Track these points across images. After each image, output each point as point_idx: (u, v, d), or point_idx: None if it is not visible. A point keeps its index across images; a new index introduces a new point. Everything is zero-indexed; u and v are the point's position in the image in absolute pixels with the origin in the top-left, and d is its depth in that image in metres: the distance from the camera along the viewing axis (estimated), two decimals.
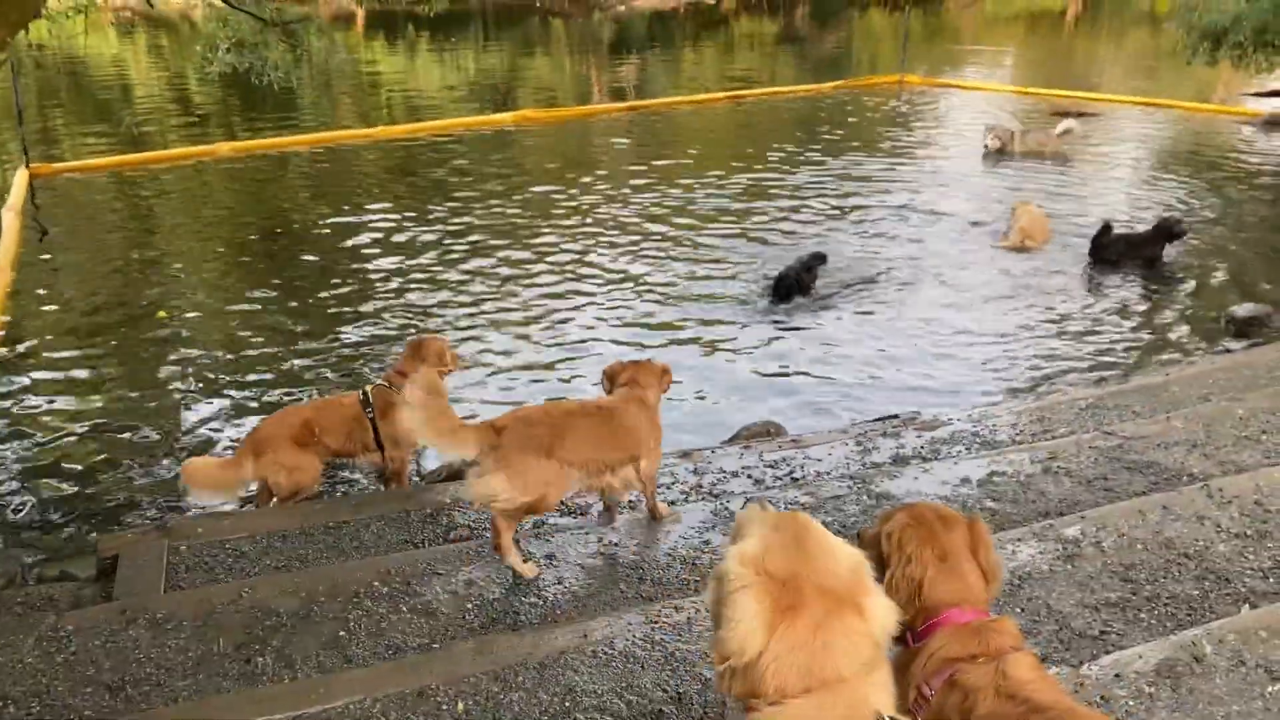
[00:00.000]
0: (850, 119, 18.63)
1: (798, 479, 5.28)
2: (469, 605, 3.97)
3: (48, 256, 10.41)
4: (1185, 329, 8.29)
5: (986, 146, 15.26)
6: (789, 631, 1.95)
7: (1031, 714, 2.12)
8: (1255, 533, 4.21)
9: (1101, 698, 3.11)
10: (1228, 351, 7.47)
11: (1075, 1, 45.82)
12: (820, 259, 9.42)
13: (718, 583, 2.07)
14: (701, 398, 7.13)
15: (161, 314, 8.69)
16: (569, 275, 9.71)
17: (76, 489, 5.83)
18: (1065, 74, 25.57)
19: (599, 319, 8.63)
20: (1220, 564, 4.02)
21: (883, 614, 2.05)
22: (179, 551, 4.53)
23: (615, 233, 11.05)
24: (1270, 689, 3.14)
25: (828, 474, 5.31)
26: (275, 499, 5.21)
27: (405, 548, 4.61)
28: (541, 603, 4.01)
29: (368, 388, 5.46)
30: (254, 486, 5.35)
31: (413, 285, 9.42)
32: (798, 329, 8.36)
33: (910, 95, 21.57)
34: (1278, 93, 19.67)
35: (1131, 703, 3.10)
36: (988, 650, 2.30)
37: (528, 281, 9.52)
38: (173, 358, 7.71)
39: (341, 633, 3.81)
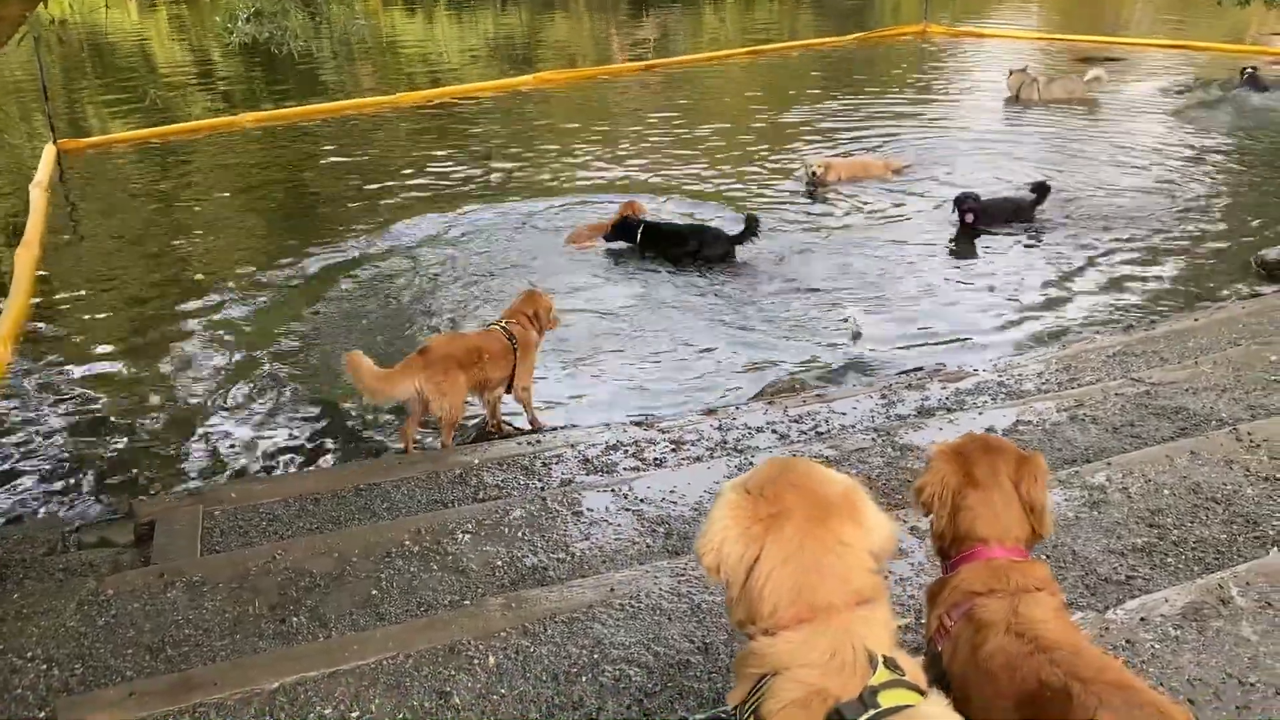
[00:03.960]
0: (871, 71, 18.40)
1: (822, 433, 5.29)
2: (498, 562, 4.03)
3: (76, 230, 10.53)
4: (1214, 273, 8.19)
5: (1006, 99, 15.16)
6: (777, 541, 1.93)
7: (1037, 652, 2.14)
8: None
9: (1127, 641, 3.12)
10: (1257, 295, 7.37)
11: None
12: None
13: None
14: (713, 356, 7.14)
15: (199, 277, 8.83)
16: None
17: (112, 457, 5.92)
18: (1093, 19, 25.13)
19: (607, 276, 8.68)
20: (1248, 507, 4.01)
21: (878, 525, 2.00)
22: (213, 516, 4.62)
23: (639, 186, 11.04)
24: None
25: (852, 427, 5.32)
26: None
27: (435, 507, 4.68)
28: (569, 558, 4.07)
29: (504, 324, 5.80)
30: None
31: (441, 251, 9.45)
32: (811, 286, 8.32)
33: (934, 45, 21.27)
34: None
35: (1157, 646, 3.11)
36: (1007, 588, 2.32)
37: (556, 242, 9.54)
38: (205, 326, 7.78)
39: (374, 591, 3.88)
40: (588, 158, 12.75)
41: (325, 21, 13.15)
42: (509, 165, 12.37)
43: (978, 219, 9.14)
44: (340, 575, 3.97)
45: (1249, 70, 15.28)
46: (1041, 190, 9.54)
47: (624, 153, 12.90)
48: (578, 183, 11.64)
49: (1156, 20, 25.24)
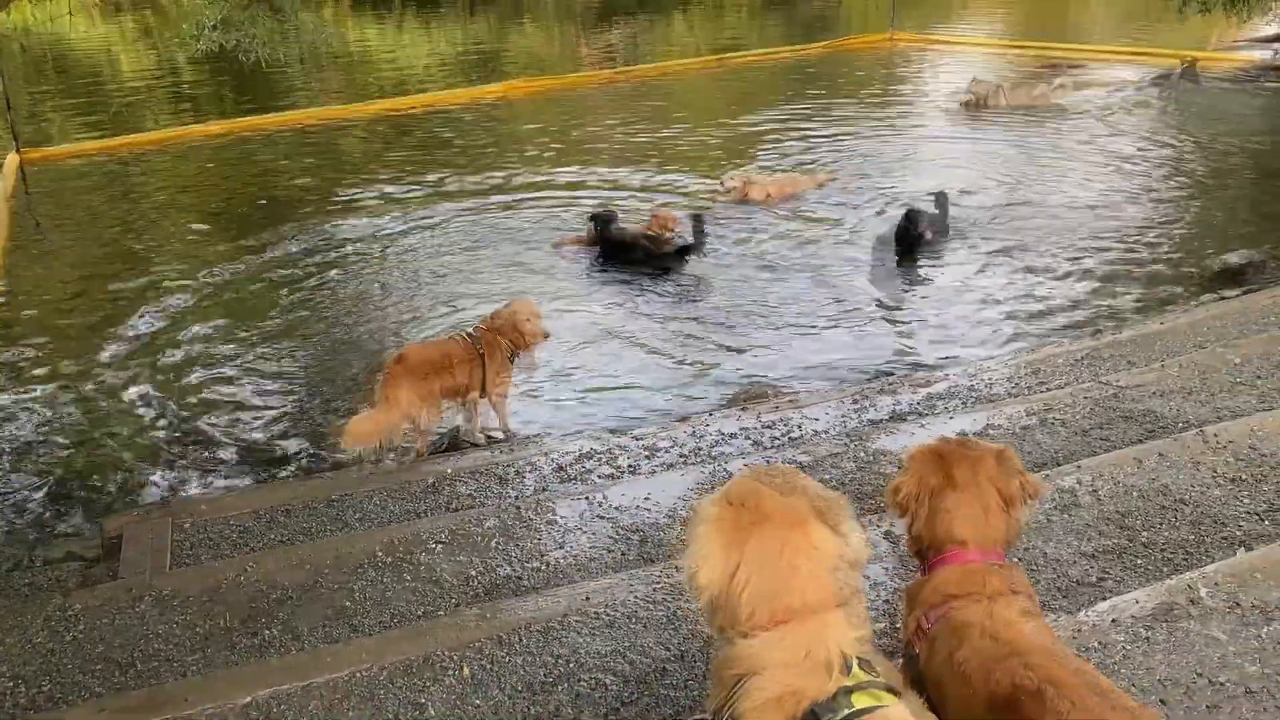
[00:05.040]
0: (837, 79, 18.50)
1: (794, 439, 5.31)
2: (472, 572, 4.02)
3: (39, 242, 10.40)
4: (1177, 277, 8.29)
5: (961, 102, 15.27)
6: (757, 547, 1.96)
7: (1011, 655, 2.16)
8: (1250, 477, 4.24)
9: (1099, 643, 3.15)
10: (1222, 299, 7.47)
11: None
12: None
13: (681, 541, 2.12)
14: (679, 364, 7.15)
15: (167, 285, 8.75)
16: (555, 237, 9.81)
17: (78, 470, 5.85)
18: (1058, 27, 25.43)
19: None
20: (1215, 508, 4.05)
21: (854, 533, 2.04)
22: (183, 529, 4.57)
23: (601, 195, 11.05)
24: (1265, 629, 3.18)
25: (824, 433, 5.34)
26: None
27: (408, 518, 4.65)
28: (544, 567, 4.05)
29: (470, 330, 5.83)
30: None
31: (406, 257, 9.43)
32: (774, 297, 8.33)
33: (900, 54, 21.43)
34: (1272, 39, 19.57)
35: (1129, 647, 3.14)
36: (984, 591, 2.33)
37: (525, 250, 9.53)
38: (171, 336, 7.71)
39: (347, 603, 3.85)
40: (556, 164, 12.72)
41: (294, 30, 13.05)
42: (478, 172, 12.34)
43: (935, 234, 9.12)
44: (312, 587, 3.94)
45: (1186, 63, 15.73)
46: (941, 200, 9.48)
47: (593, 160, 12.88)
48: (547, 189, 11.62)
49: (1120, 29, 25.58)
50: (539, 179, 12.04)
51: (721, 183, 10.80)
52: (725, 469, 4.75)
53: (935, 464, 2.57)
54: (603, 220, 9.20)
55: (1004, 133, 13.66)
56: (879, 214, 10.18)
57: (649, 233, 9.12)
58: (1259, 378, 5.33)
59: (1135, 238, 9.27)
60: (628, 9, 33.41)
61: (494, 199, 11.23)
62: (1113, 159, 12.11)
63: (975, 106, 15.08)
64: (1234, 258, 8.13)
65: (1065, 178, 11.27)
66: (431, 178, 12.12)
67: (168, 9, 32.07)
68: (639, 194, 11.23)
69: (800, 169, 11.88)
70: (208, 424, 6.36)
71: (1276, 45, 18.73)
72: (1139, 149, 12.55)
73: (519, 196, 11.32)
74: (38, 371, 7.15)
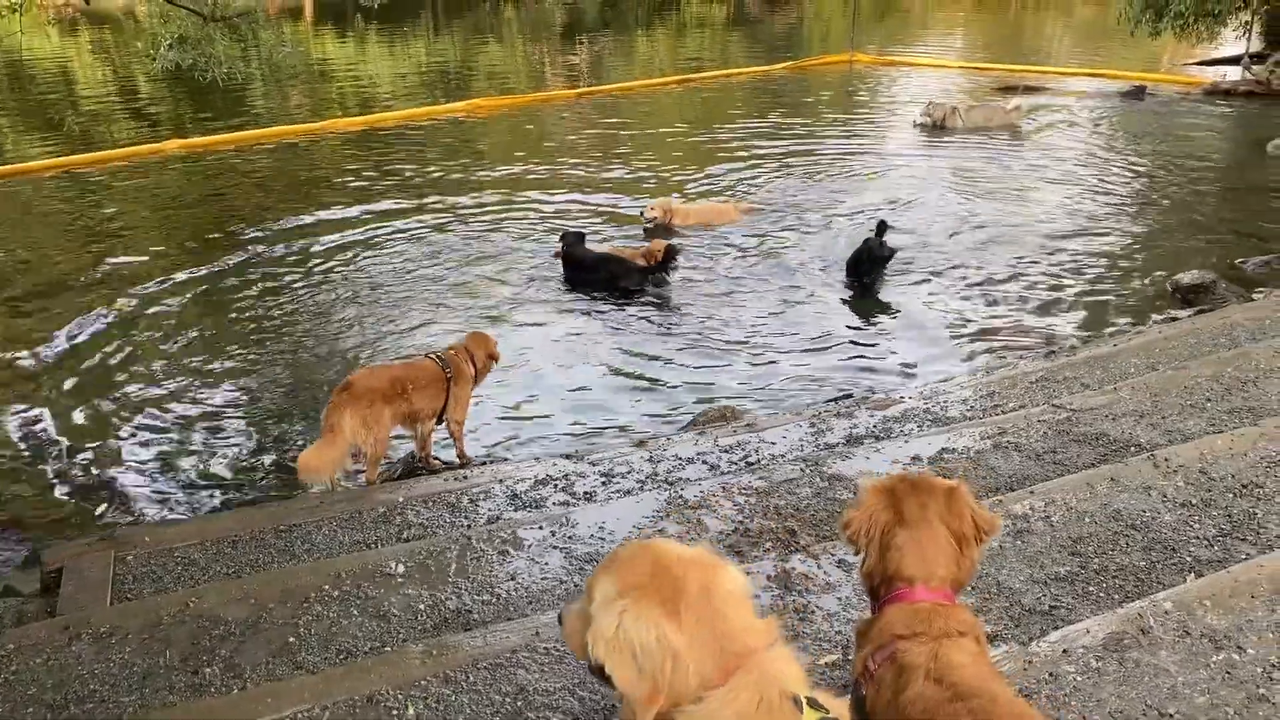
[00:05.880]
0: (798, 100, 18.63)
1: (752, 463, 5.28)
2: (420, 606, 3.94)
3: None
4: (1131, 298, 8.38)
5: (916, 123, 15.41)
6: (687, 610, 1.89)
7: (955, 700, 2.12)
8: (1200, 501, 4.26)
9: (1050, 674, 3.13)
10: (1174, 320, 7.55)
11: None
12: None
13: (599, 641, 1.91)
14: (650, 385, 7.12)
15: (119, 304, 8.64)
16: (517, 255, 9.83)
17: (16, 501, 5.70)
18: (1014, 49, 25.78)
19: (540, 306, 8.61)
20: (1166, 534, 4.07)
21: (740, 574, 2.02)
22: (126, 562, 4.44)
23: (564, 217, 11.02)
24: (1215, 658, 3.18)
25: (782, 457, 5.31)
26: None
27: (357, 549, 4.56)
28: (494, 600, 3.98)
29: (441, 353, 5.75)
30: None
31: (365, 274, 9.35)
32: (737, 319, 8.34)
33: (860, 75, 21.62)
34: (1220, 61, 19.94)
35: (1079, 679, 3.12)
36: (930, 631, 2.30)
37: (486, 273, 9.47)
38: (120, 358, 7.57)
39: (291, 639, 3.76)
40: (522, 181, 12.70)
41: (254, 47, 12.95)
42: (441, 190, 12.28)
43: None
44: (257, 623, 3.84)
45: (1134, 85, 16.65)
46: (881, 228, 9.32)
47: (555, 178, 12.87)
48: (514, 205, 11.58)
49: (1076, 50, 25.97)
50: (506, 195, 12.05)
51: (643, 212, 10.74)
52: (681, 495, 4.70)
53: (886, 500, 2.54)
54: (570, 239, 9.16)
55: (960, 154, 13.80)
56: (831, 233, 10.25)
57: (615, 255, 9.11)
58: (1209, 400, 5.38)
59: (1089, 258, 9.38)
60: (592, 28, 33.52)
61: (461, 215, 11.22)
62: (1066, 179, 12.27)
63: (932, 128, 15.23)
64: (1186, 278, 8.24)
65: (1019, 198, 11.43)
66: (397, 193, 12.07)
67: (124, 25, 31.72)
68: (604, 210, 11.26)
69: (733, 196, 11.93)
70: (156, 449, 6.25)
71: (1226, 69, 19.08)
72: (1092, 170, 12.72)
73: (486, 213, 11.32)
74: None
